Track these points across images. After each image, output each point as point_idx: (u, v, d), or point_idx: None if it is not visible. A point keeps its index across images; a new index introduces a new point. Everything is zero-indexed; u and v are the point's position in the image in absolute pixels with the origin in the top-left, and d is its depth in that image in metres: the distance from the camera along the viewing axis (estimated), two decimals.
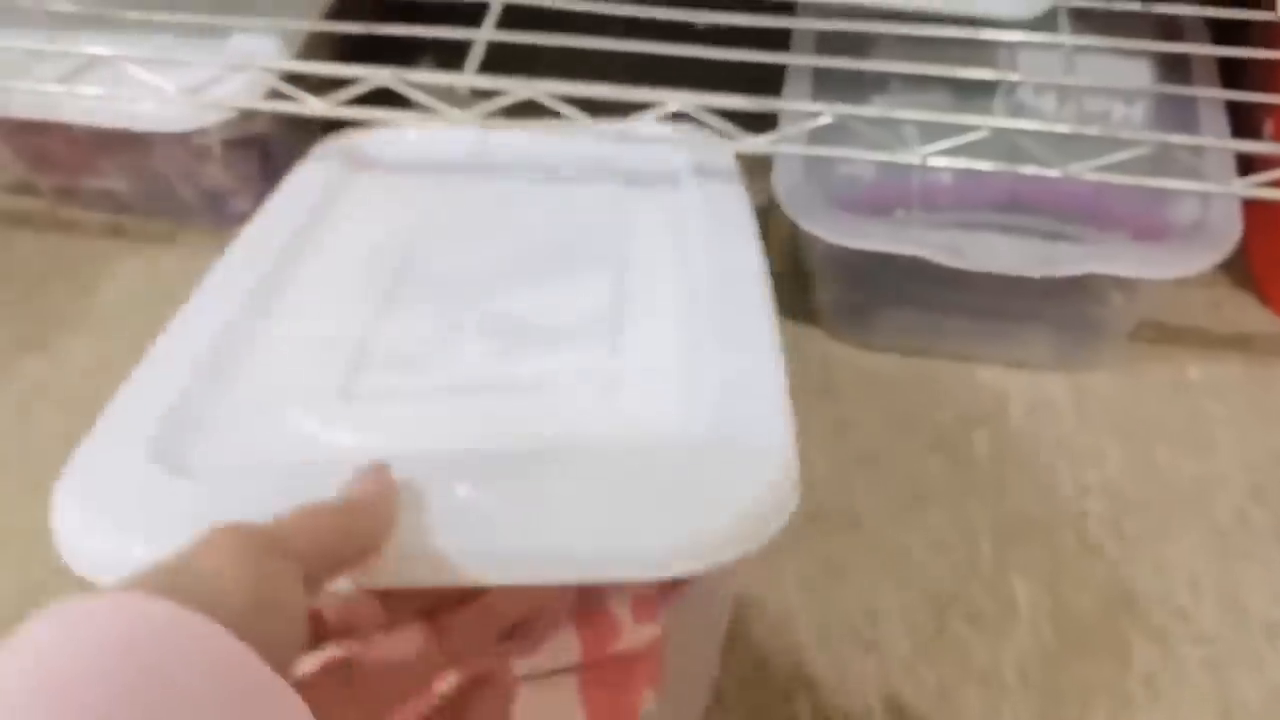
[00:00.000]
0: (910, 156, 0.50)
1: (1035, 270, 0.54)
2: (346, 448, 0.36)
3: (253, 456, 0.36)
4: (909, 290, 0.61)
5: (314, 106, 0.52)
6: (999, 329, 0.62)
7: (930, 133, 0.50)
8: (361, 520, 0.29)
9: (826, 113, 0.50)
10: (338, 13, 0.64)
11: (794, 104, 0.51)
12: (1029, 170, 0.49)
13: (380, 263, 0.47)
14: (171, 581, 0.23)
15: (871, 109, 0.50)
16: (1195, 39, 0.59)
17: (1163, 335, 0.64)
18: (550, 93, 0.51)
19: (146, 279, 0.70)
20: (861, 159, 0.51)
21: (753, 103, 0.50)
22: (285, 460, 0.36)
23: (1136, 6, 0.55)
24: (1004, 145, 0.50)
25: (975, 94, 0.60)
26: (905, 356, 0.64)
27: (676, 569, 0.31)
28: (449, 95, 0.53)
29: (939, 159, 0.50)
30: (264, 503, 0.27)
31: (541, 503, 0.32)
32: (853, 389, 0.63)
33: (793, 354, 0.64)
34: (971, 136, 0.49)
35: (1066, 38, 0.53)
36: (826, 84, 0.58)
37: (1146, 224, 0.56)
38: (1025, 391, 0.62)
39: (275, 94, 0.54)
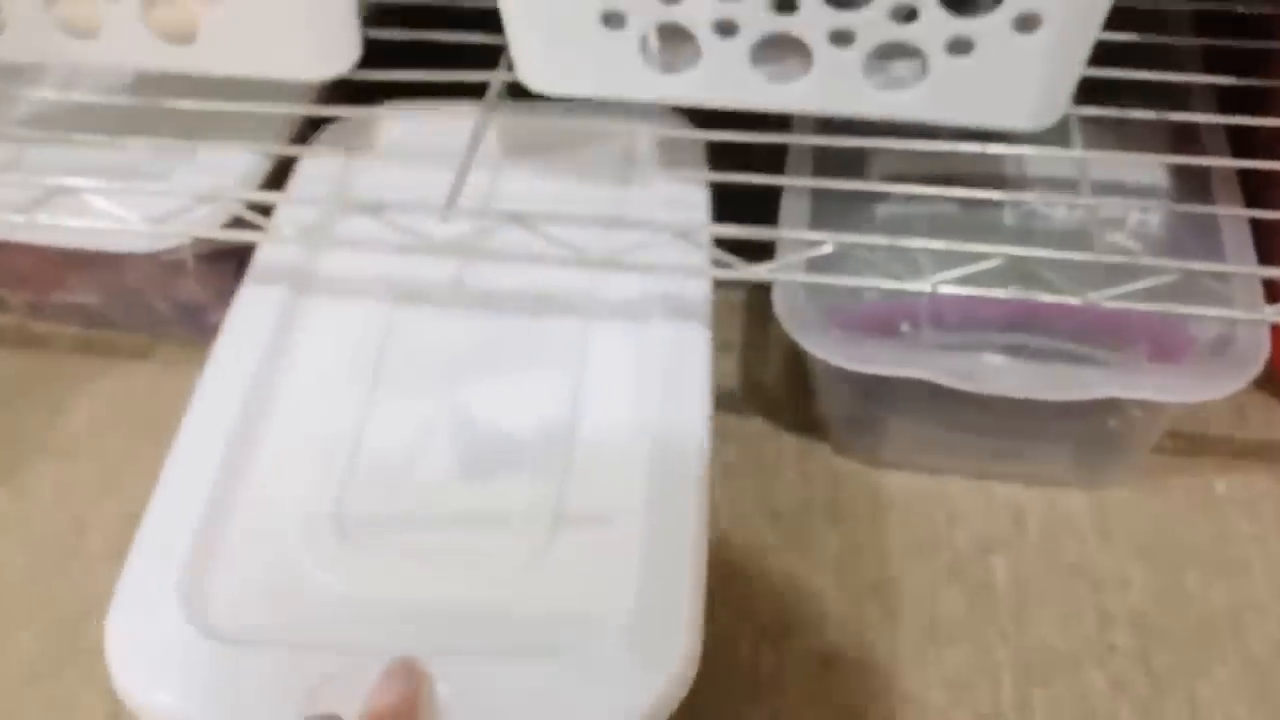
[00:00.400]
0: (920, 285, 0.47)
1: (1051, 394, 0.51)
2: (340, 592, 0.44)
3: (264, 601, 0.43)
4: (918, 405, 0.57)
5: (282, 234, 0.50)
6: (1014, 445, 0.59)
7: (940, 255, 0.48)
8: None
9: (828, 241, 0.47)
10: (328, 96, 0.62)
11: (794, 232, 0.49)
12: (1047, 298, 0.46)
13: (357, 355, 0.52)
14: None
15: (877, 237, 0.47)
16: (1213, 142, 0.57)
17: (1186, 446, 0.61)
18: (537, 216, 0.49)
19: (119, 399, 0.66)
20: (867, 287, 0.48)
21: (750, 231, 0.47)
22: (290, 605, 0.43)
23: (1151, 115, 0.52)
24: (1017, 263, 0.47)
25: (984, 201, 0.58)
26: (916, 473, 0.61)
27: None
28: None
29: (950, 287, 0.47)
30: (281, 670, 0.40)
31: (506, 699, 0.39)
32: (862, 510, 0.59)
33: (799, 472, 0.62)
34: (985, 265, 0.46)
35: (1078, 152, 0.51)
36: (826, 199, 0.55)
37: (1167, 342, 0.53)
38: (1043, 511, 0.59)
39: (240, 222, 0.51)
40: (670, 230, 0.48)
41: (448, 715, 0.38)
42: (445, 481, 0.48)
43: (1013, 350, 0.53)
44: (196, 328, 0.68)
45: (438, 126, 0.57)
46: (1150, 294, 0.46)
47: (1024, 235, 0.57)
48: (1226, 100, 0.56)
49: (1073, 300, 0.46)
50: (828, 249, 0.47)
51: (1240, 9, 0.57)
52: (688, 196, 0.56)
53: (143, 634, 0.42)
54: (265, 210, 0.51)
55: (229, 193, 0.53)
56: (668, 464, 0.47)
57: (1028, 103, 0.48)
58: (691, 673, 0.41)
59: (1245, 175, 0.55)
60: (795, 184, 0.53)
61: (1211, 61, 0.58)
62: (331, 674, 0.39)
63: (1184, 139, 0.57)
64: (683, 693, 0.40)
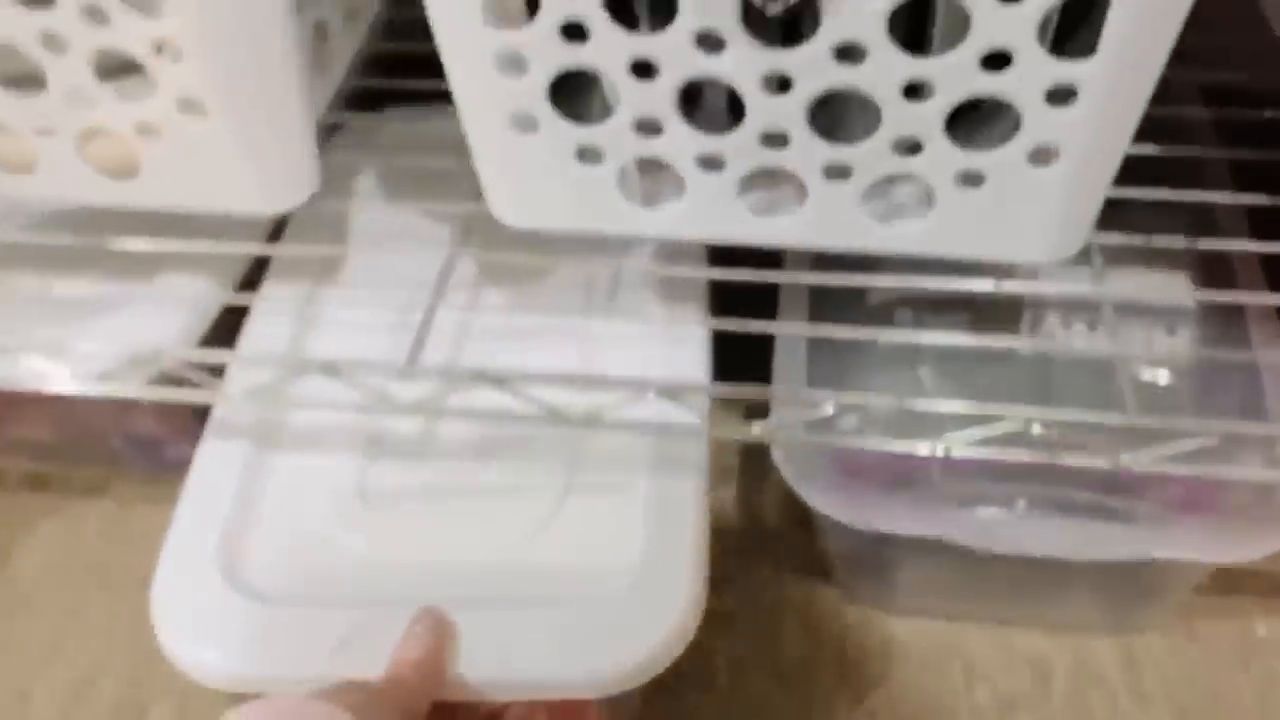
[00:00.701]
0: (932, 447, 0.42)
1: (1078, 554, 0.46)
2: (364, 554, 0.47)
3: (296, 563, 0.47)
4: (929, 551, 0.53)
5: (233, 398, 0.46)
6: (1035, 592, 0.54)
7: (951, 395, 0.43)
8: (428, 670, 0.40)
9: (829, 400, 0.42)
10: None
11: (793, 391, 0.44)
12: (1074, 461, 0.42)
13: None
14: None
15: (884, 398, 0.43)
16: (1244, 264, 0.52)
17: (1223, 584, 0.56)
18: (509, 374, 0.44)
19: (71, 544, 0.62)
20: (873, 449, 0.43)
21: (747, 391, 0.43)
22: (321, 566, 0.47)
23: (1180, 243, 0.48)
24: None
25: (998, 320, 0.54)
26: (930, 619, 0.56)
27: (613, 689, 0.42)
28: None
29: (964, 450, 0.42)
30: (315, 631, 0.43)
31: (520, 645, 0.43)
32: (873, 664, 0.54)
33: (804, 622, 0.57)
34: (1005, 428, 0.41)
35: (1099, 287, 0.46)
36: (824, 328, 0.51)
37: (1202, 491, 0.48)
38: (1070, 662, 0.54)
39: (178, 380, 0.47)
40: (657, 389, 0.43)
41: (466, 660, 0.42)
42: (462, 459, 0.50)
43: (1033, 501, 0.49)
44: (154, 463, 0.63)
45: (405, 258, 0.53)
46: (1188, 457, 0.41)
47: (1042, 365, 0.52)
48: (1257, 218, 0.52)
49: (1102, 463, 0.41)
50: (829, 410, 0.43)
51: (1268, 115, 0.53)
52: (678, 331, 0.52)
53: (186, 596, 0.45)
54: (216, 370, 0.46)
55: (171, 350, 0.48)
56: (670, 437, 0.48)
57: (1045, 236, 0.44)
58: (693, 624, 0.43)
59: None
60: (793, 331, 0.49)
61: (1239, 175, 0.54)
62: (361, 627, 0.43)
63: (1213, 258, 0.52)
64: (684, 643, 0.43)
